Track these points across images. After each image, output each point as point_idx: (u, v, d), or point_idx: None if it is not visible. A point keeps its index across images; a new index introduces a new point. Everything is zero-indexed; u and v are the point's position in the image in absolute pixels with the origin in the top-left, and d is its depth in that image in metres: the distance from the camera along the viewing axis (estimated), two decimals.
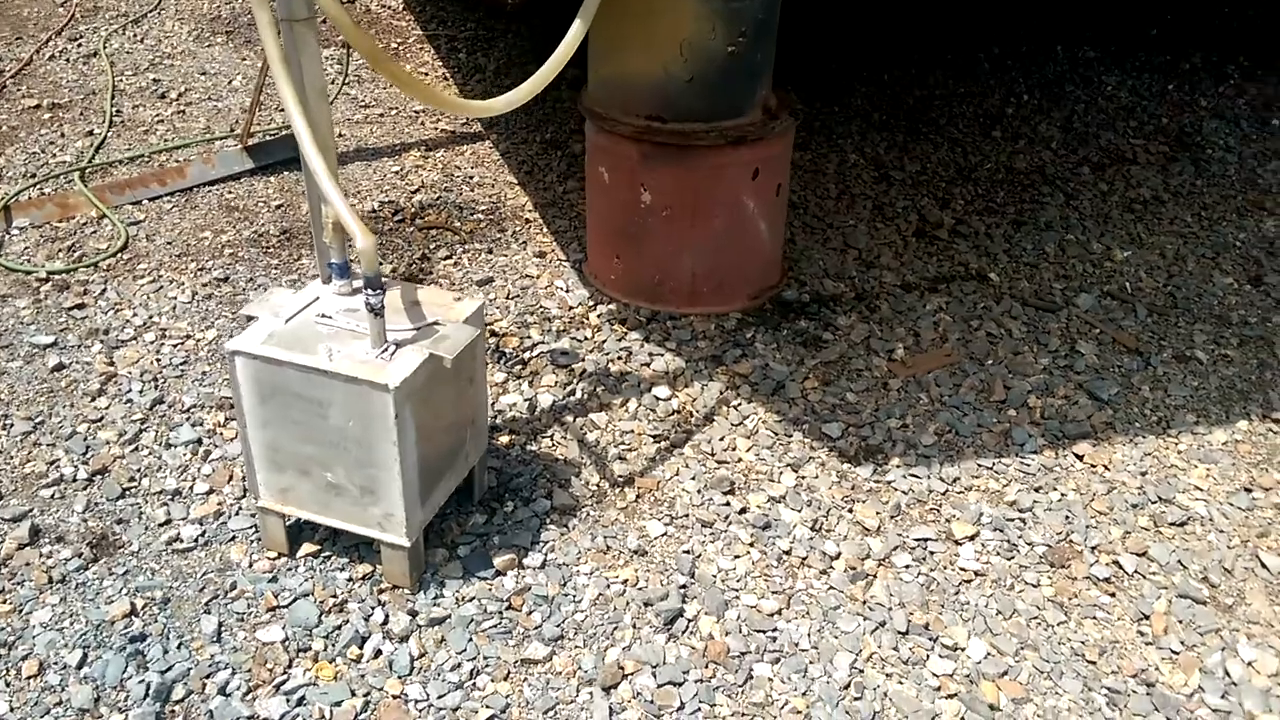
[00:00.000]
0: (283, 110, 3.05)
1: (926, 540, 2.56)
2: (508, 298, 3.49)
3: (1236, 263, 3.90)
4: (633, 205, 3.32)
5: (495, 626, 2.27)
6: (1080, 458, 2.87)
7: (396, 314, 2.33)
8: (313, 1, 2.20)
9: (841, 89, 5.27)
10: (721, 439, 2.88)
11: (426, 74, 5.41)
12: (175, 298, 3.39)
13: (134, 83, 5.10)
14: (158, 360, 3.07)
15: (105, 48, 5.46)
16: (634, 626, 2.30)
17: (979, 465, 2.82)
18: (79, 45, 5.51)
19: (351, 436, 2.22)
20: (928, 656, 2.26)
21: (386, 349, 2.22)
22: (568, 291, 3.53)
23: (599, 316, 3.40)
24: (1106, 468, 2.84)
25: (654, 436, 2.88)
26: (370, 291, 2.16)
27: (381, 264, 2.92)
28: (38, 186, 4.07)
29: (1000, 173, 4.54)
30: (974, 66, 5.67)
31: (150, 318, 3.28)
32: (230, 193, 4.09)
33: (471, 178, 4.31)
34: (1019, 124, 5.02)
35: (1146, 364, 3.28)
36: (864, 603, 2.38)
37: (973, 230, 4.05)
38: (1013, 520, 2.64)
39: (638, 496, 2.67)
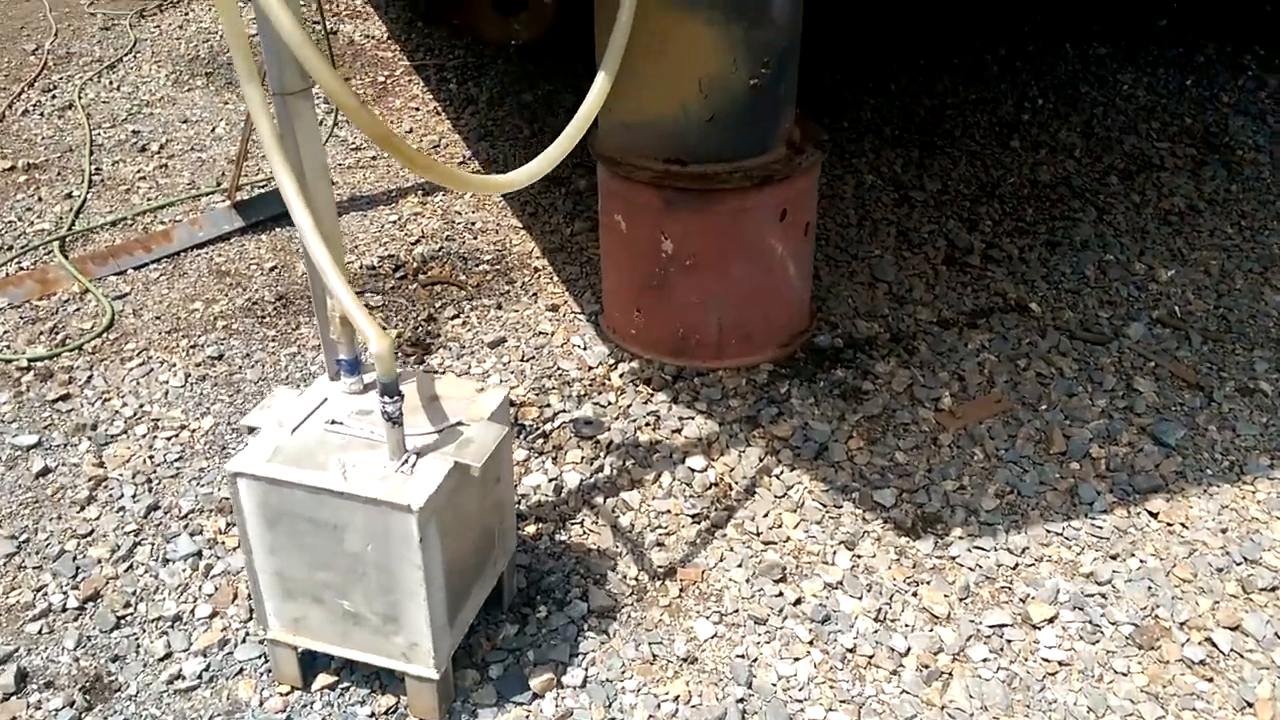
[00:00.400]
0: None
1: (1003, 627, 2.34)
2: (522, 360, 3.26)
3: None
4: (653, 255, 3.09)
5: None
6: (1155, 515, 2.65)
7: (414, 413, 2.10)
8: (307, 72, 1.97)
9: (849, 102, 5.05)
10: (766, 515, 2.66)
11: (418, 109, 5.18)
12: (167, 381, 3.15)
13: (112, 135, 4.86)
14: (150, 458, 2.84)
15: (80, 98, 5.22)
16: None
17: (1048, 531, 2.60)
18: (53, 97, 5.27)
19: (370, 561, 1.99)
20: None
21: (406, 460, 2.00)
22: (585, 349, 3.30)
23: (621, 377, 3.17)
24: (1184, 525, 2.62)
25: (692, 516, 2.66)
26: (387, 399, 1.94)
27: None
28: (15, 260, 3.83)
29: (1025, 187, 4.32)
30: (982, 70, 5.44)
31: (141, 406, 3.05)
32: (220, 255, 3.86)
33: (473, 223, 4.08)
34: (1037, 131, 4.80)
35: (1209, 400, 3.07)
36: (943, 709, 2.16)
37: (1005, 254, 3.83)
38: (1092, 596, 2.42)
39: (681, 590, 2.45)
